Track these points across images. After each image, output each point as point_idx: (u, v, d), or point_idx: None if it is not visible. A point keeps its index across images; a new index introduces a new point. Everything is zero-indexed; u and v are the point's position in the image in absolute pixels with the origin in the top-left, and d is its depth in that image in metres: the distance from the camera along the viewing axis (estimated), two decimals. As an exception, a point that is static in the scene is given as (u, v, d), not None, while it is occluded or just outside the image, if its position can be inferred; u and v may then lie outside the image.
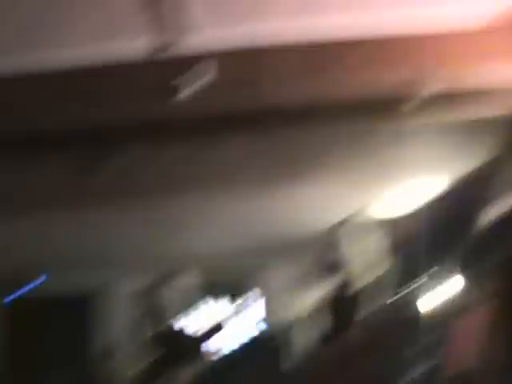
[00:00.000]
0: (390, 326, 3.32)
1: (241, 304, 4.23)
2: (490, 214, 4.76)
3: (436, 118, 3.86)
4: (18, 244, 6.24)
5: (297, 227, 6.24)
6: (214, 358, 4.26)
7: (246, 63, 3.34)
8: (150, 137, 3.74)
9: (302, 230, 6.25)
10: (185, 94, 3.27)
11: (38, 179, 4.78)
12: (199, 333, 4.37)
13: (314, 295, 4.04)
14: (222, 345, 4.45)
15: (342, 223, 3.82)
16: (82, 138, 3.61)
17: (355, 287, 3.66)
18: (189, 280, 4.46)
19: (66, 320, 7.33)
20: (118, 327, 5.58)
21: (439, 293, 3.50)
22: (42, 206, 5.37)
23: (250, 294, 4.35)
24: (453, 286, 4.13)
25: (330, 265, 3.76)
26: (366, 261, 3.70)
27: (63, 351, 6.91)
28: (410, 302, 3.38)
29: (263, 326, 7.03)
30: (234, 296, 5.01)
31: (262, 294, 7.27)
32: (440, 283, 3.51)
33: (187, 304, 4.40)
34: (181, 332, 4.39)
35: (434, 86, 3.43)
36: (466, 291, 3.57)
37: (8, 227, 5.74)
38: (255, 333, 7.19)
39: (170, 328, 4.58)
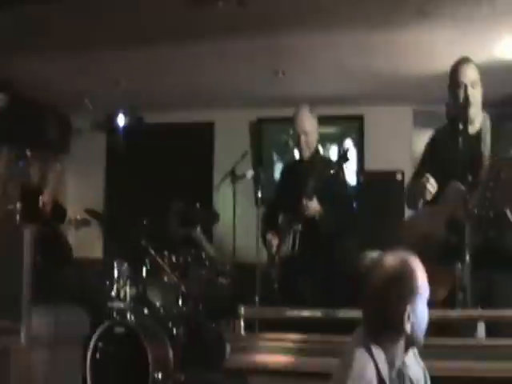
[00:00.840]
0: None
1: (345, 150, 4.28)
2: None
3: None
4: (130, 76, 6.50)
5: (415, 67, 6.18)
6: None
7: None
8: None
9: (420, 72, 6.21)
10: None
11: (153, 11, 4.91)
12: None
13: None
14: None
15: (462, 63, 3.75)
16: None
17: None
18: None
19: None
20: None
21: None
22: (158, 39, 5.51)
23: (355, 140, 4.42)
24: None
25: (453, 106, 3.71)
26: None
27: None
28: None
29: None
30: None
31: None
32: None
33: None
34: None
35: None
36: None
37: (119, 60, 5.98)
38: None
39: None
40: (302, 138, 4.51)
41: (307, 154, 4.55)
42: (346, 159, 4.31)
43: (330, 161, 4.68)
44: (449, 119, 3.91)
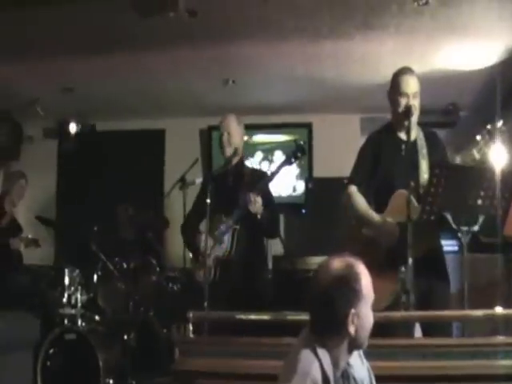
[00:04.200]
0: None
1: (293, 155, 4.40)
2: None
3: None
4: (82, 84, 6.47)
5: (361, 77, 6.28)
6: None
7: None
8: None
9: (366, 81, 6.28)
10: None
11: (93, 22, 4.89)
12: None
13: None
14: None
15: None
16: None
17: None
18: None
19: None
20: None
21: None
22: (110, 47, 5.47)
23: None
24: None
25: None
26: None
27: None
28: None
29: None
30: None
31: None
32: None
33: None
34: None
35: None
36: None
37: (72, 66, 5.93)
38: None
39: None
40: (225, 135, 4.67)
41: (229, 152, 4.65)
42: (303, 152, 4.40)
43: (256, 170, 4.84)
44: (385, 127, 3.99)
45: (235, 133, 4.71)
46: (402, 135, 3.79)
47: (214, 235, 4.48)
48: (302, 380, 2.16)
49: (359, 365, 2.39)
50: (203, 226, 4.55)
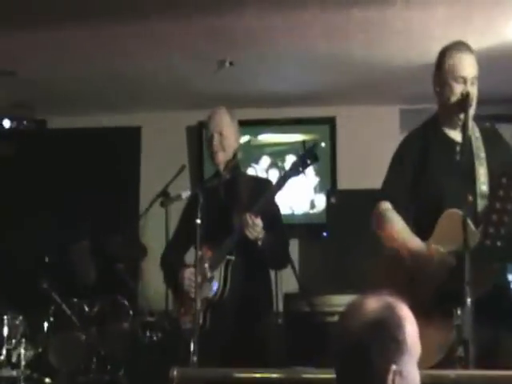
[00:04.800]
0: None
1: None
2: None
3: None
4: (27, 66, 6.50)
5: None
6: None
7: None
8: None
9: (409, 61, 6.33)
10: None
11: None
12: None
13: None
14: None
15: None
16: None
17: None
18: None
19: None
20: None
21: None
22: (64, 16, 5.46)
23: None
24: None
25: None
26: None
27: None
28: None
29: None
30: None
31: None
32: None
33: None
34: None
35: None
36: None
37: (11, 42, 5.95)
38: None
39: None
40: (216, 137, 4.68)
41: (222, 158, 4.66)
42: (314, 158, 4.37)
43: (257, 180, 4.89)
44: (429, 122, 3.97)
45: (229, 132, 4.73)
46: (453, 133, 3.80)
47: (203, 270, 4.49)
48: None
49: None
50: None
